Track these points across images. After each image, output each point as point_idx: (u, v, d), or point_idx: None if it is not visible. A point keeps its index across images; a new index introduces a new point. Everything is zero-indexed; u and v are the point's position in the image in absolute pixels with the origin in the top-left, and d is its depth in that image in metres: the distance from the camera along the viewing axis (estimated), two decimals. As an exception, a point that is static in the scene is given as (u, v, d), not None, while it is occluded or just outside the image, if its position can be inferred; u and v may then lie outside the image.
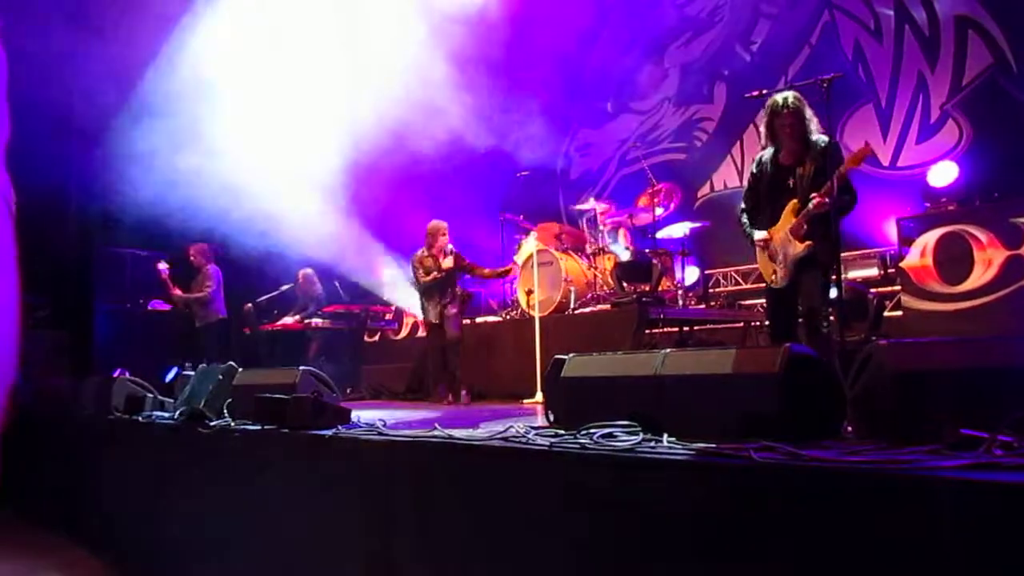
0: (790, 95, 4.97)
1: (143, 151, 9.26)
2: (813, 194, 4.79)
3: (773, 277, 5.07)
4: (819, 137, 4.94)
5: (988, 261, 6.19)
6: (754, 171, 5.24)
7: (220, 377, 5.25)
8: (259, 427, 4.39)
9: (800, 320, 5.00)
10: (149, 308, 10.63)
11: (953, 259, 6.37)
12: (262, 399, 4.41)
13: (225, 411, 4.93)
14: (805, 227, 4.83)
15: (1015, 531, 1.86)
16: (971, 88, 8.24)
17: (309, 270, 10.26)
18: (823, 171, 4.79)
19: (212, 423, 4.81)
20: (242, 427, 4.54)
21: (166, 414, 5.51)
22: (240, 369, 5.35)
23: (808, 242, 4.83)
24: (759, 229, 5.14)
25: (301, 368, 4.91)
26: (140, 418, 5.59)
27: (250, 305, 10.30)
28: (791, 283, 4.97)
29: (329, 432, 4.00)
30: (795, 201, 4.93)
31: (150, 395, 5.96)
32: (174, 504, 4.96)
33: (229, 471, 4.51)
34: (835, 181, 4.70)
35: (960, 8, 8.32)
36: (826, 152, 4.84)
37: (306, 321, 9.91)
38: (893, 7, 8.87)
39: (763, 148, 5.22)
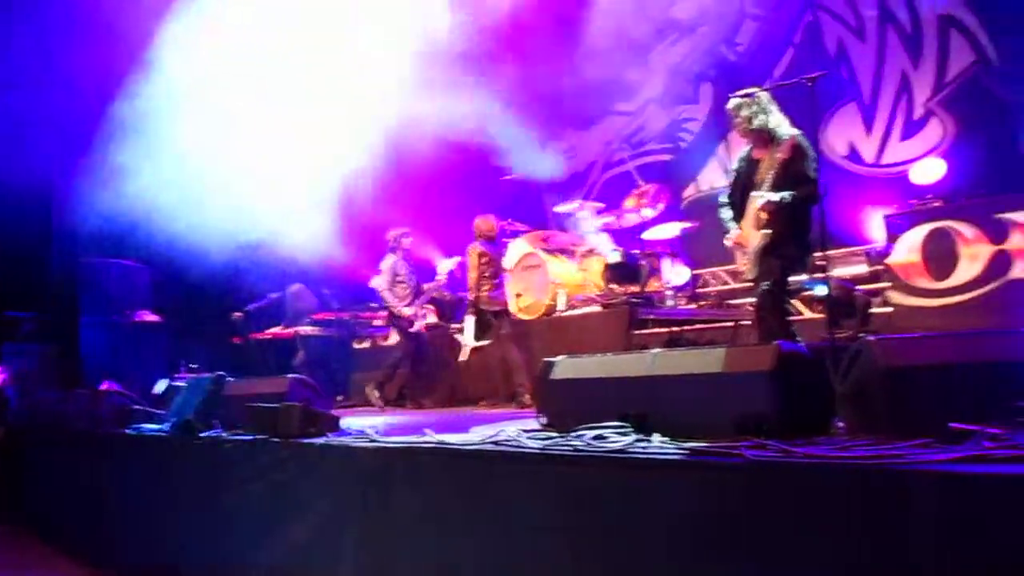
0: (736, 98, 5.17)
1: (126, 162, 9.22)
2: (762, 192, 4.90)
3: (744, 271, 5.17)
4: (786, 132, 5.01)
5: (974, 256, 6.21)
6: (735, 167, 5.39)
7: (210, 387, 5.23)
8: (250, 437, 4.36)
9: (755, 301, 5.11)
10: (136, 319, 10.56)
11: (939, 255, 6.38)
12: (252, 408, 4.40)
13: (215, 421, 4.91)
14: (764, 218, 4.89)
15: (1006, 522, 1.87)
16: (954, 86, 8.28)
17: (298, 285, 10.22)
18: (785, 165, 4.86)
19: (202, 434, 4.79)
20: (233, 437, 4.51)
21: (155, 426, 5.47)
22: (230, 378, 5.33)
23: (766, 231, 4.89)
24: (736, 224, 5.22)
25: (290, 376, 4.89)
26: (129, 430, 5.56)
27: (239, 314, 10.26)
28: (757, 275, 5.04)
29: (320, 440, 3.98)
30: (756, 194, 5.01)
31: (138, 407, 5.92)
32: (166, 515, 4.93)
33: (220, 481, 4.48)
34: (773, 178, 4.85)
35: (942, 7, 8.36)
36: (786, 147, 4.90)
37: (295, 329, 9.87)
38: (876, 6, 8.90)
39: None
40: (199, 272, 9.94)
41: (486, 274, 7.79)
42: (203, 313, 10.74)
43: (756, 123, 5.07)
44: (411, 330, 8.29)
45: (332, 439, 4.00)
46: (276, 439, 4.15)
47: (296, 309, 10.16)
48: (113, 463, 5.61)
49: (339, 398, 9.00)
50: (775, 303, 4.97)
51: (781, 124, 5.08)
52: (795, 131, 5.06)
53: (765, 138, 5.08)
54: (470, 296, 7.94)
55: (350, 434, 4.13)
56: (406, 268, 8.58)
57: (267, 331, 10.10)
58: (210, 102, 9.64)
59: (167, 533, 4.91)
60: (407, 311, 8.29)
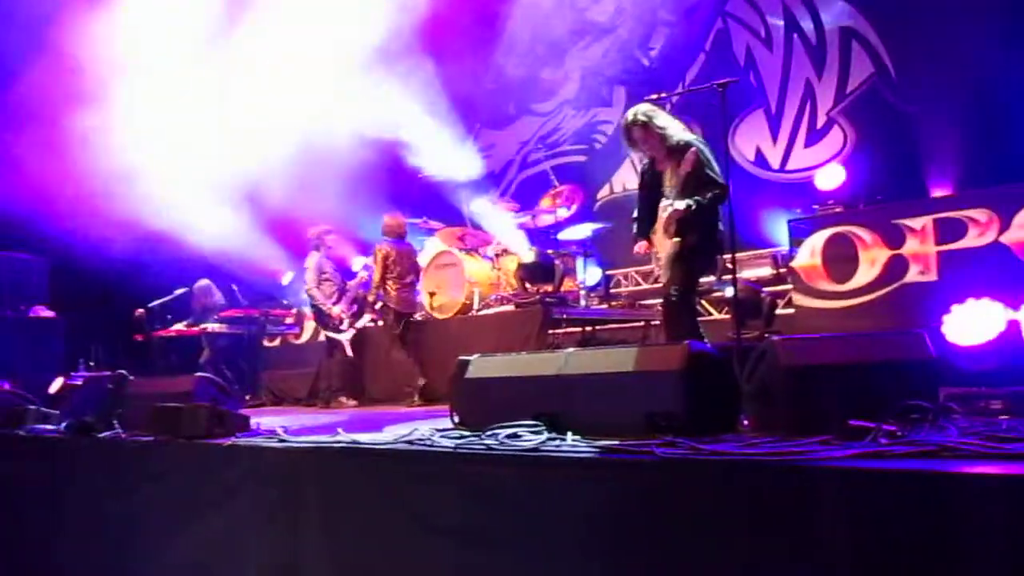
0: (635, 111, 5.11)
1: (20, 150, 8.81)
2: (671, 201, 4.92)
3: (658, 275, 5.24)
4: (681, 138, 5.03)
5: (872, 260, 6.48)
6: (640, 181, 5.37)
7: (110, 386, 5.03)
8: (153, 438, 4.22)
9: (662, 301, 5.17)
10: (31, 315, 10.09)
11: (840, 259, 6.64)
12: (156, 408, 4.25)
13: (116, 422, 4.72)
14: (673, 226, 4.92)
15: (900, 515, 1.96)
16: (855, 96, 8.63)
17: (205, 281, 9.92)
18: (690, 174, 4.85)
19: (101, 435, 4.61)
20: (135, 438, 4.35)
21: (50, 426, 5.23)
22: (132, 377, 5.14)
23: (676, 239, 4.93)
24: (646, 234, 5.25)
25: (198, 375, 4.75)
26: (21, 431, 5.30)
27: (142, 310, 9.90)
28: (669, 278, 5.11)
29: (227, 441, 3.88)
30: (664, 199, 5.04)
31: (32, 407, 5.66)
32: (60, 521, 4.72)
33: (121, 484, 4.31)
34: (680, 187, 4.85)
35: (845, 20, 8.70)
36: (683, 152, 4.89)
37: (202, 326, 9.58)
38: (783, 17, 9.20)
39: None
40: (100, 266, 9.57)
41: (394, 273, 7.75)
42: (104, 309, 10.33)
43: (666, 135, 5.00)
44: (341, 328, 8.17)
45: (240, 439, 3.90)
46: (181, 440, 4.03)
47: (203, 305, 9.87)
48: (3, 465, 5.34)
49: (247, 397, 8.79)
50: (684, 304, 5.04)
51: (677, 131, 5.13)
52: (691, 136, 5.10)
53: (670, 148, 5.05)
54: (370, 296, 7.90)
55: (260, 434, 4.04)
56: (331, 266, 8.46)
57: (172, 328, 9.77)
58: (113, 90, 9.30)
59: (61, 540, 4.69)
60: (336, 309, 8.17)
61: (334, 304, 8.18)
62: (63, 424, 4.99)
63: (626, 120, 5.15)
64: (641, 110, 5.11)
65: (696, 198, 4.84)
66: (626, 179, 10.37)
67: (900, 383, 2.81)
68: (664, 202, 5.01)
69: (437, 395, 7.15)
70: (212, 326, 9.53)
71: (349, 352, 8.09)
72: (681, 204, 4.84)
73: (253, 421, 4.26)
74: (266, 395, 9.32)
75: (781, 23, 9.20)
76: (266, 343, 10.44)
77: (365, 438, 3.52)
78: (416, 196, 9.89)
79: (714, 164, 4.98)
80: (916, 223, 6.34)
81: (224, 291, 10.11)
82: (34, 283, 9.84)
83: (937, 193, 7.35)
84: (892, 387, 2.78)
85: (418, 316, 8.31)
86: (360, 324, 8.33)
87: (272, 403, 9.02)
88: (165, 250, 9.71)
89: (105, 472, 4.45)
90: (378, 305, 7.83)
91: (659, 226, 5.08)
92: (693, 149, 4.85)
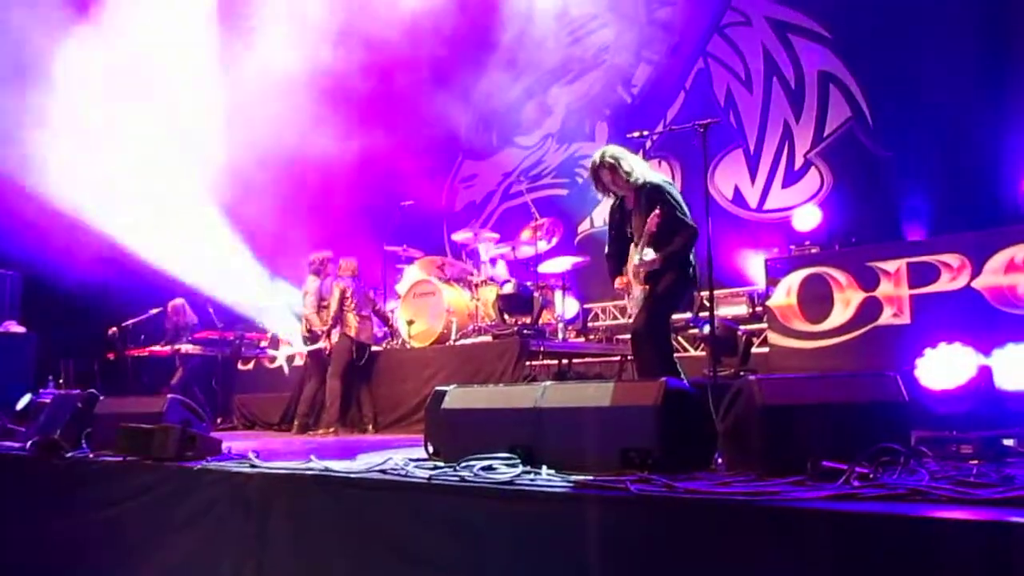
0: (602, 153, 5.06)
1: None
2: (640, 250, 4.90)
3: (631, 313, 5.21)
4: (648, 179, 5.01)
5: (847, 302, 6.56)
6: (609, 221, 5.35)
7: (79, 404, 4.97)
8: (121, 458, 4.16)
9: (630, 336, 5.15)
10: (0, 330, 9.94)
11: (815, 299, 6.71)
12: (126, 429, 4.20)
13: (84, 441, 4.66)
14: (643, 274, 4.92)
15: (872, 557, 1.97)
16: (832, 139, 8.77)
17: (180, 300, 9.84)
18: (658, 223, 4.77)
19: (69, 454, 4.54)
20: (102, 458, 4.29)
21: (16, 444, 5.15)
22: (102, 396, 5.08)
23: (646, 285, 4.92)
24: (619, 273, 5.24)
25: (170, 396, 4.70)
26: (-14, 448, 5.21)
27: (115, 329, 9.79)
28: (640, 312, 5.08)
29: (198, 464, 3.83)
30: (634, 244, 5.05)
31: (-1, 423, 5.57)
32: (24, 541, 4.62)
33: (87, 505, 4.24)
34: (649, 235, 4.79)
35: (823, 64, 8.87)
36: (649, 195, 4.90)
37: (175, 347, 9.48)
38: (762, 59, 9.36)
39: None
40: (73, 283, 9.47)
41: (350, 307, 7.88)
42: (76, 327, 10.20)
43: (633, 177, 4.97)
44: (329, 355, 8.09)
45: (211, 463, 3.86)
46: (150, 461, 3.97)
47: (176, 325, 9.77)
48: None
49: (219, 420, 8.69)
50: (654, 340, 4.99)
51: (643, 172, 5.05)
52: (656, 178, 5.06)
53: (637, 189, 5.01)
54: (321, 326, 7.96)
55: (231, 458, 3.99)
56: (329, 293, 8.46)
57: (145, 348, 9.66)
58: (93, 109, 9.28)
59: (24, 561, 4.60)
60: (334, 337, 8.09)
61: (329, 332, 8.12)
62: (29, 442, 4.91)
63: (593, 163, 5.09)
64: (609, 152, 5.06)
65: (668, 250, 4.80)
66: (607, 213, 10.39)
67: (873, 425, 2.84)
68: (633, 249, 4.99)
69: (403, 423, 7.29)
70: (186, 347, 9.43)
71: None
72: (649, 257, 4.80)
73: (225, 445, 4.22)
74: (238, 418, 9.21)
75: (761, 66, 9.36)
76: (240, 366, 10.33)
77: (338, 466, 3.49)
78: (397, 224, 9.89)
79: (683, 205, 4.92)
80: (890, 266, 6.43)
81: (199, 312, 10.03)
82: (5, 298, 9.69)
83: (911, 237, 7.46)
84: (865, 429, 2.81)
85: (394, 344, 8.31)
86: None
87: (244, 427, 8.92)
88: (140, 269, 9.64)
89: (71, 492, 4.37)
90: (335, 338, 7.85)
91: (629, 269, 5.07)
92: (656, 212, 4.73)
